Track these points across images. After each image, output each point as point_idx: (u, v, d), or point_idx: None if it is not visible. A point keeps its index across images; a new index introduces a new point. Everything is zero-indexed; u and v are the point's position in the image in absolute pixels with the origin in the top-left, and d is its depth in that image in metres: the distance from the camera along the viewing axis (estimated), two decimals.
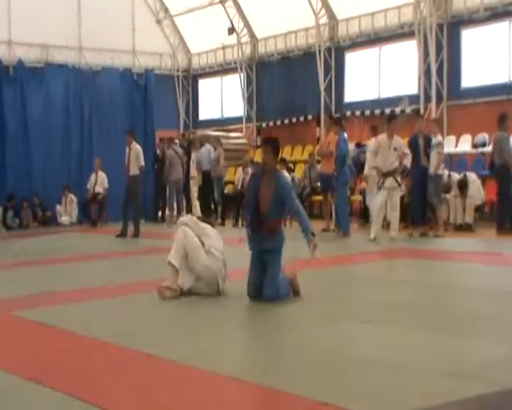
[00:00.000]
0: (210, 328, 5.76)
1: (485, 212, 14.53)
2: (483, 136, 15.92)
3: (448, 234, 12.42)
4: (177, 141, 18.12)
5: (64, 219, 17.11)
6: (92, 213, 16.81)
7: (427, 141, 12.18)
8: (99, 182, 16.69)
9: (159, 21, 24.89)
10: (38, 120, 17.17)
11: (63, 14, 21.67)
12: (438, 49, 17.09)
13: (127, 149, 13.64)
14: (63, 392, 3.98)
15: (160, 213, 17.64)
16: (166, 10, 24.81)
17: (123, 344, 5.05)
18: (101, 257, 10.72)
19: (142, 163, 13.63)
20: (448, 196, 13.24)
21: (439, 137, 12.65)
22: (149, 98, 18.56)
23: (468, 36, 17.22)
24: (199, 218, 7.61)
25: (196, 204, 17.54)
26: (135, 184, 13.58)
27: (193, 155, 17.46)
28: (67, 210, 17.18)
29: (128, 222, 13.58)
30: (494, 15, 16.44)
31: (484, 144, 15.82)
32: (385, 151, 11.60)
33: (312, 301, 6.62)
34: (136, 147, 13.67)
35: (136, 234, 13.44)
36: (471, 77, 17.08)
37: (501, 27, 16.52)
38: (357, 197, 16.03)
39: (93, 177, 16.78)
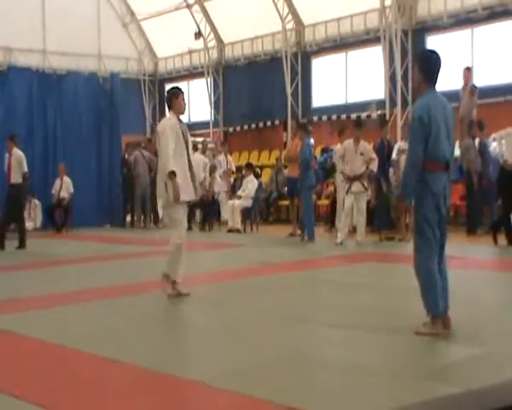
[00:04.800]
0: (179, 333, 5.72)
1: (450, 215, 14.70)
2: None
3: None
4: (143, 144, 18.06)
5: (28, 224, 16.83)
6: (57, 218, 16.59)
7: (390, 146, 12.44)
8: (64, 187, 16.48)
9: (125, 25, 24.73)
10: (1, 124, 16.88)
11: (27, 17, 21.39)
12: (403, 55, 17.28)
13: (7, 155, 12.70)
14: (26, 401, 3.90)
15: (128, 219, 17.51)
16: (133, 14, 24.67)
17: (90, 351, 4.98)
18: (67, 263, 10.56)
19: (25, 169, 12.55)
20: None
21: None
22: (115, 103, 18.39)
23: (433, 42, 17.44)
24: None
25: None
26: (18, 192, 12.49)
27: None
28: (31, 215, 16.93)
29: (5, 233, 12.64)
30: (457, 22, 16.70)
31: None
32: (351, 156, 11.70)
33: (278, 305, 6.62)
34: (18, 153, 12.57)
35: (22, 245, 12.45)
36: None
37: (464, 34, 16.79)
38: (324, 202, 16.11)
39: (58, 182, 16.56)
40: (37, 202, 16.86)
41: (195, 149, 17.42)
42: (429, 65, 5.29)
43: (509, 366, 4.34)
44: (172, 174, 6.87)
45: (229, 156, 17.69)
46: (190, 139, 7.48)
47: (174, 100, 7.24)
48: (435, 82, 5.29)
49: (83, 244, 13.49)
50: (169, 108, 7.33)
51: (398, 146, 13.03)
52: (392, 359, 4.71)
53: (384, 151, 12.27)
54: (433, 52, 5.38)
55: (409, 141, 5.36)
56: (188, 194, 7.13)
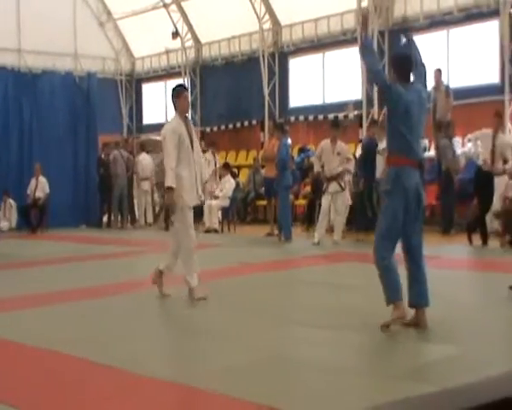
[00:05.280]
0: (154, 334, 5.69)
1: (426, 216, 14.81)
2: (423, 141, 16.26)
3: None
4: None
5: (3, 224, 16.68)
6: (32, 218, 16.44)
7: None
8: (39, 187, 16.34)
9: (101, 24, 24.56)
10: None
11: (1, 15, 21.13)
12: (380, 56, 17.36)
13: None
14: (4, 404, 3.87)
15: (105, 219, 17.42)
16: (109, 13, 24.50)
17: (70, 352, 4.94)
18: (42, 264, 10.46)
19: None
20: None
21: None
22: (92, 102, 18.27)
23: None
24: None
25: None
26: None
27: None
28: (6, 216, 16.76)
29: None
30: (433, 24, 16.84)
31: (424, 149, 16.16)
32: (328, 156, 11.74)
33: (256, 306, 6.62)
34: None
35: None
36: None
37: (439, 36, 16.94)
38: (301, 202, 16.15)
39: (33, 182, 16.42)
40: (12, 202, 16.68)
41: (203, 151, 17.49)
42: (400, 64, 5.55)
43: (483, 365, 4.39)
44: (170, 189, 6.74)
45: (216, 156, 17.46)
46: (197, 139, 7.23)
47: (176, 99, 7.10)
48: (409, 77, 5.51)
49: (58, 245, 13.37)
50: (174, 108, 7.18)
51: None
52: (368, 358, 4.75)
53: (371, 149, 12.35)
54: (401, 52, 5.71)
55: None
56: (192, 199, 6.94)
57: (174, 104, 7.14)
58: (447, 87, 14.28)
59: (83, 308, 6.71)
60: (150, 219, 17.57)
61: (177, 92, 7.16)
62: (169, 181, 6.76)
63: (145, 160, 17.52)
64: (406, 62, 5.53)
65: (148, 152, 18.00)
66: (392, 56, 5.97)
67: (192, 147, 6.97)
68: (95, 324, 6.08)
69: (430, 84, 14.63)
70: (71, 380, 4.37)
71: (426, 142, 16.17)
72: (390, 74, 5.71)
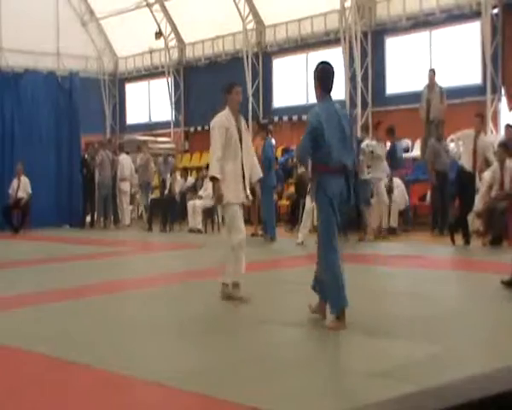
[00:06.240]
0: (137, 334, 5.66)
1: (409, 216, 14.88)
2: (406, 141, 16.33)
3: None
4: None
5: None
6: (14, 219, 16.30)
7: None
8: (21, 187, 16.21)
9: (84, 24, 24.42)
10: None
11: None
12: (363, 57, 17.44)
13: None
14: None
15: (88, 219, 17.33)
16: (92, 13, 24.38)
17: (44, 352, 4.90)
18: (25, 264, 10.38)
19: None
20: (372, 200, 13.44)
21: (367, 142, 12.90)
22: (74, 102, 18.17)
23: (392, 44, 17.65)
24: None
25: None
26: None
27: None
28: None
29: None
30: (416, 25, 16.93)
31: (407, 150, 16.24)
32: None
33: (241, 306, 6.61)
34: None
35: None
36: (395, 84, 17.52)
37: (422, 36, 17.04)
38: (285, 202, 16.17)
39: (15, 182, 16.29)
40: None
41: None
42: (323, 75, 5.86)
43: (466, 364, 4.41)
44: (214, 179, 6.63)
45: None
46: (248, 136, 7.12)
47: (227, 95, 7.04)
48: (329, 90, 5.87)
49: (41, 245, 13.28)
50: (226, 102, 7.11)
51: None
52: (349, 357, 4.75)
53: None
54: (326, 63, 5.89)
55: (303, 137, 5.85)
56: (237, 196, 6.82)
57: (225, 99, 7.08)
58: (441, 88, 14.48)
59: (66, 309, 6.66)
60: (128, 220, 17.52)
61: (228, 87, 7.15)
62: (213, 171, 6.67)
63: (124, 160, 17.45)
64: (330, 75, 5.80)
65: (127, 153, 17.94)
66: (318, 66, 6.03)
67: (241, 143, 6.84)
68: (76, 324, 6.04)
69: (423, 83, 14.84)
70: (50, 380, 4.34)
71: (409, 142, 16.28)
72: (314, 84, 5.89)
